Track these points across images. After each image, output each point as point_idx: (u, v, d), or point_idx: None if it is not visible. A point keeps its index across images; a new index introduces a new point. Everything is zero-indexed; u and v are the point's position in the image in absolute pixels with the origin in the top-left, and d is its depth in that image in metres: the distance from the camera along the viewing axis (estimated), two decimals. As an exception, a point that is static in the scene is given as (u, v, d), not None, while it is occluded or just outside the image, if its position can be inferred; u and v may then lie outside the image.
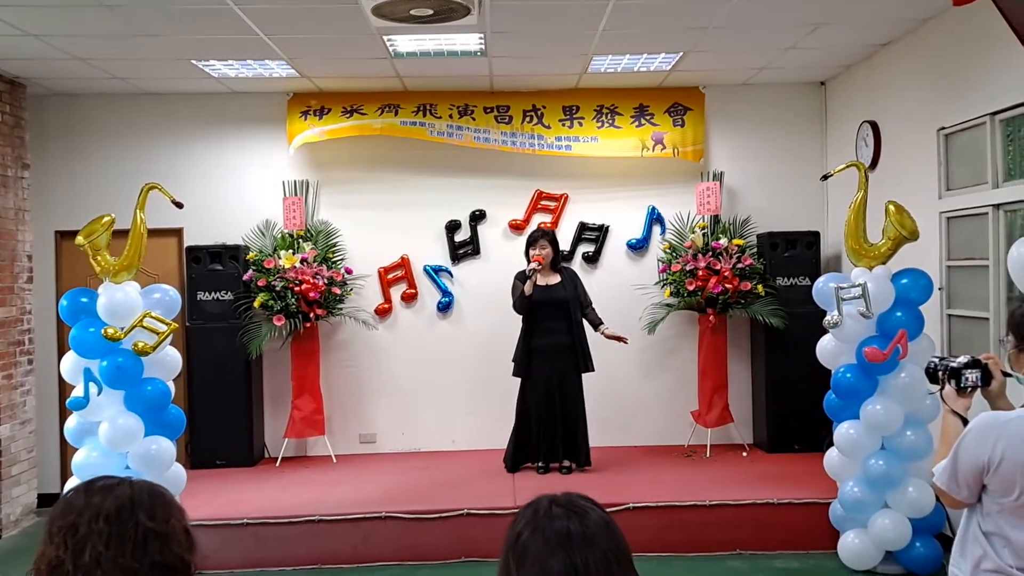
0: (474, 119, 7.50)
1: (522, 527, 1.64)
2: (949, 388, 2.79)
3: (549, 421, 6.60)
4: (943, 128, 5.75)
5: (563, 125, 7.54)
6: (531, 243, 6.72)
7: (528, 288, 6.52)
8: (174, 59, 6.39)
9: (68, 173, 7.43)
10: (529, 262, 6.63)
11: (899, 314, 5.08)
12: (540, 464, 6.68)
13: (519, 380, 6.72)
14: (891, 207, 5.16)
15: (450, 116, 7.48)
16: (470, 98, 7.51)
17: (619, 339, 6.61)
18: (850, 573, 5.33)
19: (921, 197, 5.86)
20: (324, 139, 7.43)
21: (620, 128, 7.56)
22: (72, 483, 5.20)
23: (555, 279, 6.70)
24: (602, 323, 6.67)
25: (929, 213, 5.76)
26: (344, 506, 5.91)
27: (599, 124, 7.55)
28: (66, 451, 6.66)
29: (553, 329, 6.59)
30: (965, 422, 2.69)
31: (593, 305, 6.74)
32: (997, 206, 5.20)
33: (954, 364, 2.79)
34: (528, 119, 7.54)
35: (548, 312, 6.58)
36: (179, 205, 5.49)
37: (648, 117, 7.57)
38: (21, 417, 6.80)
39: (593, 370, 6.70)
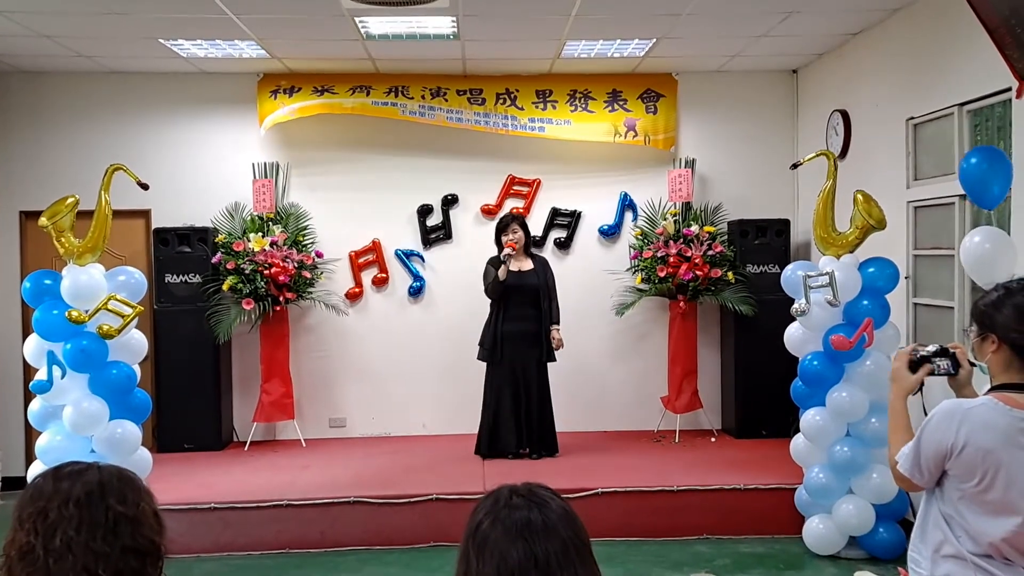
0: (447, 100, 7.46)
1: (482, 517, 1.64)
2: (903, 371, 2.81)
3: (515, 408, 6.61)
4: (912, 118, 5.80)
5: (536, 108, 7.52)
6: (502, 228, 6.71)
7: (502, 273, 6.51)
8: (141, 38, 6.28)
9: (33, 152, 7.29)
10: (500, 247, 6.62)
11: (866, 302, 5.12)
12: (511, 451, 6.68)
13: (486, 366, 6.72)
14: (859, 196, 5.19)
15: (423, 97, 7.43)
16: (443, 81, 7.46)
17: (554, 346, 6.62)
18: (814, 558, 5.39)
19: (889, 186, 5.91)
20: (295, 117, 7.33)
21: (593, 112, 7.55)
22: (36, 467, 5.14)
23: (528, 265, 6.69)
24: (555, 323, 6.66)
25: (897, 202, 5.81)
26: (312, 490, 5.89)
27: (572, 108, 7.54)
28: (30, 435, 6.58)
29: (522, 316, 6.59)
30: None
31: (557, 299, 6.73)
32: (963, 196, 5.23)
33: (924, 352, 2.83)
34: (501, 101, 7.51)
35: (519, 298, 6.58)
36: (144, 187, 5.40)
37: (621, 103, 7.56)
38: (-16, 400, 6.71)
39: (554, 360, 6.70)
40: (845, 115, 6.69)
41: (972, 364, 2.85)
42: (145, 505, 1.75)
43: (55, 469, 1.76)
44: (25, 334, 6.42)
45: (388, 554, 5.59)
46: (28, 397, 5.32)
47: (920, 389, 2.84)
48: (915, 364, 2.84)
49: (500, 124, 7.49)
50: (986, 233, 4.28)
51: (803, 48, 6.96)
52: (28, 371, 6.16)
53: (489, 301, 6.70)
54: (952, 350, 2.82)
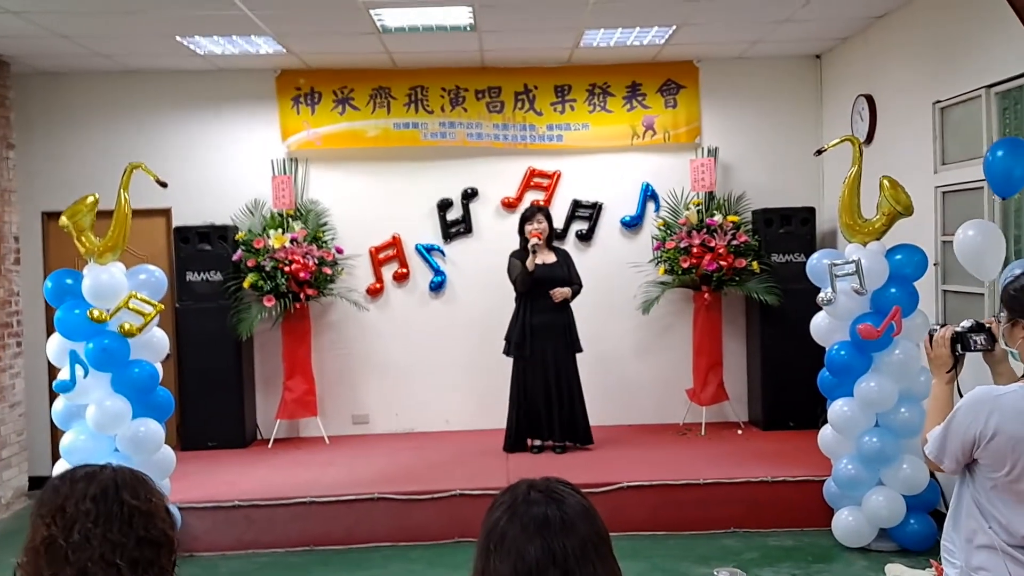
0: (466, 110, 7.46)
1: (500, 513, 1.61)
2: (942, 351, 2.78)
3: (547, 401, 6.56)
4: (938, 101, 5.68)
5: (555, 110, 7.49)
6: (526, 219, 6.66)
7: (530, 264, 6.46)
8: (158, 36, 6.29)
9: (54, 153, 7.33)
10: (524, 239, 6.57)
11: (893, 290, 5.03)
12: (536, 443, 6.64)
13: (511, 360, 6.67)
14: (885, 182, 5.09)
15: (442, 109, 7.43)
16: (461, 78, 7.43)
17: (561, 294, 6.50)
18: (844, 550, 5.31)
19: (916, 171, 5.80)
20: (320, 146, 7.42)
21: (611, 112, 7.51)
22: (60, 466, 5.17)
23: (551, 258, 6.63)
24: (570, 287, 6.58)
25: (924, 188, 5.70)
26: (337, 487, 5.88)
27: (591, 107, 7.50)
28: (56, 434, 6.60)
29: (549, 307, 6.53)
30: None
31: (579, 280, 6.68)
32: (993, 180, 5.13)
33: (959, 328, 2.78)
34: (520, 104, 7.49)
35: (545, 291, 6.52)
36: (163, 185, 5.42)
37: (640, 98, 7.51)
38: (10, 400, 6.75)
39: (581, 350, 6.67)
40: (870, 100, 6.57)
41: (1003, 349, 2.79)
42: (157, 501, 1.83)
43: (70, 472, 1.85)
44: (50, 333, 6.45)
45: (412, 550, 5.57)
46: (53, 396, 5.35)
47: (955, 367, 2.79)
48: (951, 342, 2.80)
49: (519, 138, 7.51)
50: (978, 226, 4.37)
51: (826, 32, 6.84)
52: (53, 370, 6.19)
53: (514, 295, 6.64)
54: (987, 325, 2.76)
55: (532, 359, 6.57)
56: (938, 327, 2.86)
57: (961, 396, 2.66)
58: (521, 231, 6.67)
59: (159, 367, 5.31)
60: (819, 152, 5.84)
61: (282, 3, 5.62)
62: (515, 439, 6.68)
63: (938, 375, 2.81)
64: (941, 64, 5.63)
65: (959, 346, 2.78)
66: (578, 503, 1.59)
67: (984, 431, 2.48)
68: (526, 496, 1.61)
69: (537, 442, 6.67)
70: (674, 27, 6.47)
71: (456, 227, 7.62)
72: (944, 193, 5.69)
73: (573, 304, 6.68)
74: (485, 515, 1.65)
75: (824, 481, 5.55)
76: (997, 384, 2.74)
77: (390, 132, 7.45)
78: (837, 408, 5.21)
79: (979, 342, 2.76)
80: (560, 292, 6.52)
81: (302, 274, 6.90)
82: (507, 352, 6.67)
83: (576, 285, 6.63)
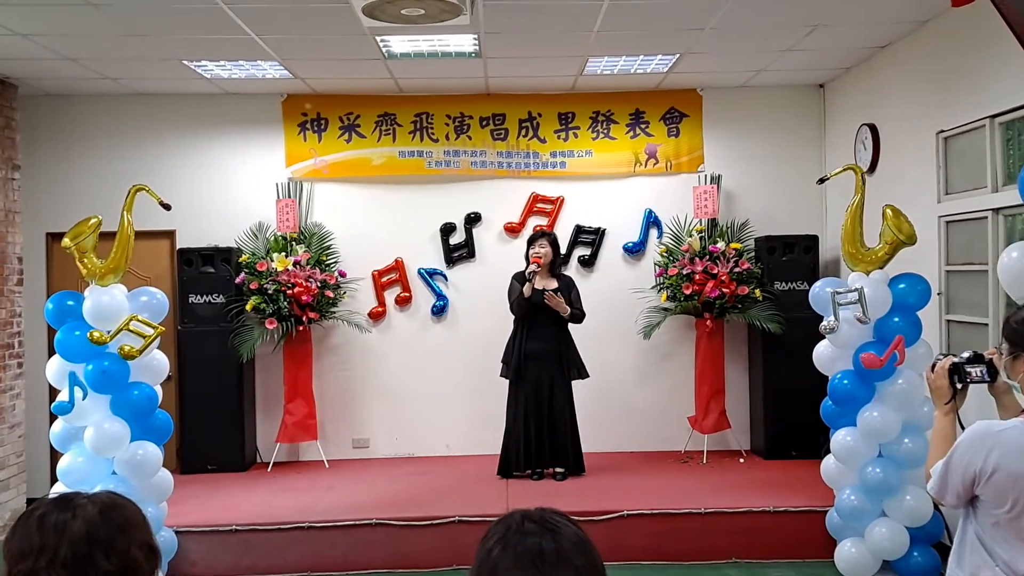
0: (471, 138, 7.51)
1: (493, 543, 1.57)
2: (941, 382, 2.75)
3: (538, 426, 6.53)
4: (942, 131, 5.68)
5: (558, 137, 7.54)
6: (531, 242, 6.66)
7: (527, 290, 6.44)
8: (164, 59, 6.32)
9: (59, 174, 7.36)
10: (528, 262, 6.56)
11: (896, 319, 5.00)
12: (535, 470, 6.60)
13: (508, 384, 6.66)
14: (888, 211, 5.08)
15: (447, 137, 7.48)
16: (466, 104, 7.47)
17: (556, 303, 6.43)
18: (847, 582, 5.25)
19: (920, 201, 5.79)
20: (327, 175, 7.49)
21: (615, 139, 7.57)
22: (58, 488, 5.13)
23: (552, 284, 6.61)
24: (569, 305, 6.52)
25: (928, 217, 5.69)
26: (335, 512, 5.84)
27: (594, 135, 7.54)
28: (56, 455, 6.57)
29: (543, 335, 6.52)
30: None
31: (581, 308, 6.61)
32: (996, 210, 5.13)
33: (957, 360, 2.74)
34: (524, 131, 7.53)
35: (542, 317, 6.50)
36: (167, 207, 5.42)
37: (643, 126, 7.54)
38: (10, 421, 6.72)
39: (586, 376, 6.65)
40: (874, 129, 6.58)
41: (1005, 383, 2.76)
42: (135, 549, 1.74)
43: (40, 517, 1.75)
44: (51, 355, 6.44)
45: (410, 577, 5.52)
46: (53, 418, 5.32)
47: (954, 397, 2.75)
48: (949, 373, 2.77)
49: (522, 165, 7.57)
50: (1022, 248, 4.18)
51: (830, 62, 6.86)
52: (53, 392, 6.17)
53: (513, 318, 6.63)
54: (988, 356, 2.72)
55: (526, 385, 6.55)
56: (941, 357, 2.83)
57: (963, 429, 2.63)
58: (527, 255, 6.67)
59: (159, 389, 5.29)
60: (822, 180, 5.83)
61: (289, 29, 5.66)
62: (506, 464, 6.65)
63: (939, 406, 2.78)
64: (945, 94, 5.64)
65: (956, 377, 2.75)
66: (574, 535, 1.56)
67: (984, 468, 2.45)
68: (520, 526, 1.56)
69: (533, 470, 6.61)
70: (677, 55, 6.50)
71: (459, 251, 7.62)
72: (948, 223, 5.68)
73: (574, 331, 6.65)
74: (478, 545, 1.62)
75: (826, 512, 5.50)
76: (1001, 417, 2.71)
77: (395, 161, 7.50)
78: (840, 438, 5.16)
79: (976, 374, 2.72)
80: (554, 298, 6.41)
81: (304, 297, 6.90)
82: (503, 374, 6.66)
83: (576, 310, 6.59)
